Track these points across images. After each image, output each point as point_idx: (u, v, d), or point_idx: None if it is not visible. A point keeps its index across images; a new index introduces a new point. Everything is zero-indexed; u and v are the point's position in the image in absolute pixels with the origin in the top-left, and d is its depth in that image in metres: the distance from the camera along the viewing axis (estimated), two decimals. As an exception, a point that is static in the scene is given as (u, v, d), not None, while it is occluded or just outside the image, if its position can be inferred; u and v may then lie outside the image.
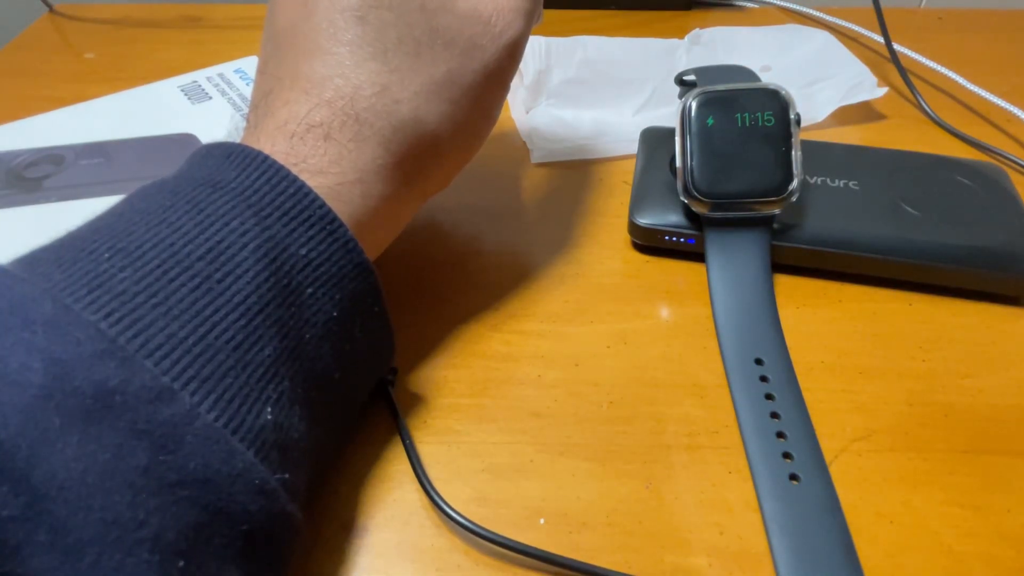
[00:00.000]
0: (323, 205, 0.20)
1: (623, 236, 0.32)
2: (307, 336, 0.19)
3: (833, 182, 0.31)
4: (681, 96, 0.30)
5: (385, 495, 0.23)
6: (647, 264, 0.31)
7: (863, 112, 0.40)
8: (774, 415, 0.24)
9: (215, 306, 0.17)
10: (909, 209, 0.30)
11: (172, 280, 0.17)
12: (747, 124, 0.28)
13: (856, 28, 0.48)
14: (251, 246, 0.18)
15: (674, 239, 0.30)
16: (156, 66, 0.45)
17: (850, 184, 0.31)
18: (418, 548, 0.21)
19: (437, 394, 0.25)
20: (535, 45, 0.40)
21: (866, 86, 0.39)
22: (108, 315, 0.16)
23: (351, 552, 0.21)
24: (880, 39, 0.44)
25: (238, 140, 0.21)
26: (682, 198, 0.29)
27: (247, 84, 0.38)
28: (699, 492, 0.23)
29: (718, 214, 0.29)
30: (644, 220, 0.30)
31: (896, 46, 0.43)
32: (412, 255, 0.31)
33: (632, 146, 0.35)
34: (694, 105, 0.29)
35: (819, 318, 0.28)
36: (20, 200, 0.31)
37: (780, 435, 0.24)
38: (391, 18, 0.22)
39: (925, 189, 0.31)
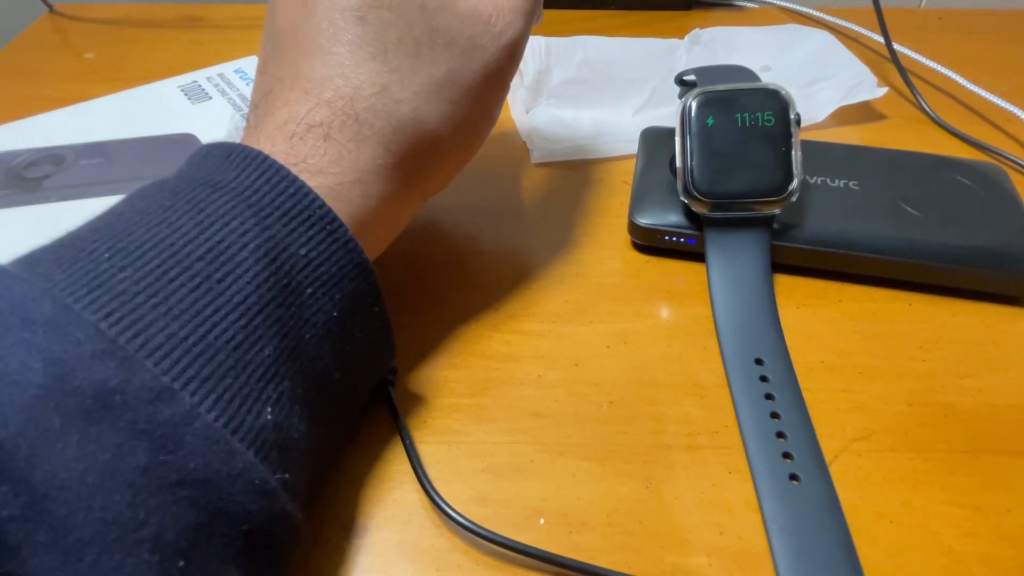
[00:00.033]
0: (323, 205, 0.20)
1: (623, 236, 0.32)
2: (307, 336, 0.19)
3: (833, 182, 0.31)
4: (681, 96, 0.30)
5: (385, 495, 0.23)
6: (647, 264, 0.31)
7: (863, 112, 0.40)
8: (774, 415, 0.24)
9: (215, 306, 0.17)
10: (909, 209, 0.30)
11: (172, 280, 0.17)
12: (747, 124, 0.28)
13: (856, 28, 0.48)
14: (251, 246, 0.18)
15: (674, 239, 0.30)
16: (156, 66, 0.45)
17: (850, 184, 0.31)
18: (418, 548, 0.21)
19: (437, 394, 0.25)
20: (535, 45, 0.40)
21: (866, 86, 0.39)
22: (108, 315, 0.16)
23: (351, 552, 0.21)
24: (880, 39, 0.44)
25: (238, 140, 0.21)
26: (682, 198, 0.29)
27: (247, 84, 0.38)
28: (699, 492, 0.23)
29: (718, 214, 0.29)
30: (644, 220, 0.30)
31: (896, 46, 0.43)
32: (412, 255, 0.31)
33: (632, 146, 0.35)
34: (694, 105, 0.29)
35: (819, 318, 0.28)
36: (20, 200, 0.31)
37: (780, 435, 0.24)
38: (391, 18, 0.22)
39: (925, 189, 0.31)
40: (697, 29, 0.43)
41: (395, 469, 0.23)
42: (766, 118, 0.28)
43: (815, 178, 0.31)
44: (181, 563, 0.15)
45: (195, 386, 0.16)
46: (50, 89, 0.43)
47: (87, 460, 0.14)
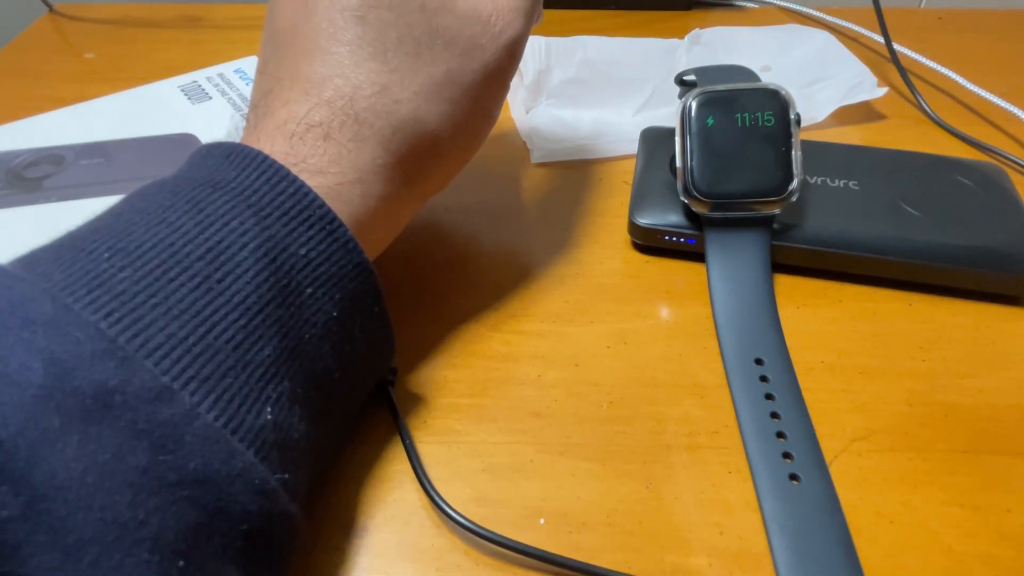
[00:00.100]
0: (323, 205, 0.20)
1: (623, 236, 0.32)
2: (307, 336, 0.19)
3: (833, 182, 0.31)
4: (681, 96, 0.30)
5: (385, 495, 0.23)
6: (647, 264, 0.31)
7: (863, 112, 0.40)
8: (774, 415, 0.24)
9: (215, 306, 0.17)
10: (909, 209, 0.30)
11: (172, 280, 0.17)
12: (747, 124, 0.28)
13: (856, 28, 0.48)
14: (251, 246, 0.18)
15: (674, 239, 0.30)
16: (156, 66, 0.45)
17: (850, 184, 0.31)
18: (418, 548, 0.21)
19: (437, 394, 0.25)
20: (535, 45, 0.40)
21: (866, 86, 0.39)
22: (108, 315, 0.16)
23: (351, 552, 0.21)
24: (880, 39, 0.44)
25: (238, 140, 0.21)
26: (682, 198, 0.29)
27: (247, 84, 0.38)
28: (699, 492, 0.23)
29: (718, 214, 0.29)
30: (644, 220, 0.30)
31: (896, 46, 0.43)
32: (412, 255, 0.31)
33: (632, 146, 0.35)
34: (694, 105, 0.29)
35: (819, 318, 0.28)
36: (20, 200, 0.31)
37: (780, 435, 0.24)
38: (391, 18, 0.22)
39: (925, 189, 0.31)
40: (697, 29, 0.43)
41: (395, 469, 0.23)
42: (766, 118, 0.28)
43: (815, 178, 0.31)
44: (181, 563, 0.15)
45: (195, 386, 0.16)
46: (50, 89, 0.43)
47: (87, 460, 0.14)
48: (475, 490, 0.23)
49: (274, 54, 0.23)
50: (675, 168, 0.29)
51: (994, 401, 0.25)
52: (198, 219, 0.18)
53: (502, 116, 0.37)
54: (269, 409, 0.17)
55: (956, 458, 0.24)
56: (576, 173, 0.36)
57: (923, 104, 0.41)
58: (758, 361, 0.26)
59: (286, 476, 0.17)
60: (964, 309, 0.29)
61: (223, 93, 0.38)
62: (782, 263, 0.30)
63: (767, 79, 0.30)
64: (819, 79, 0.40)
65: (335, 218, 0.20)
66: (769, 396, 0.25)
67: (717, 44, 0.43)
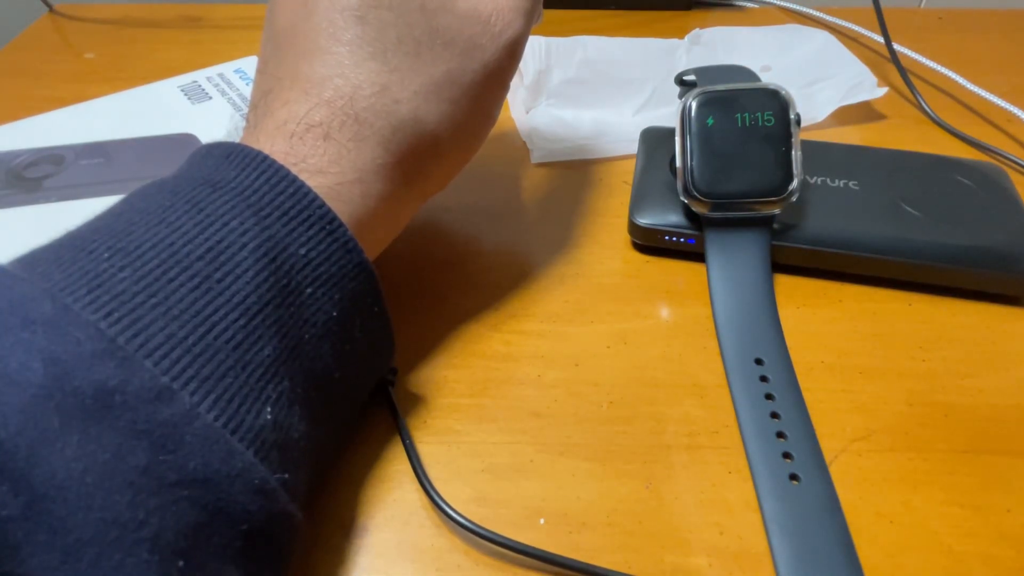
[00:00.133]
0: (322, 205, 0.20)
1: (623, 236, 0.32)
2: (307, 336, 0.19)
3: (833, 182, 0.31)
4: (681, 96, 0.30)
5: (385, 495, 0.23)
6: (647, 264, 0.31)
7: (863, 112, 0.40)
8: (774, 415, 0.24)
9: (215, 306, 0.17)
10: (909, 209, 0.30)
11: (172, 280, 0.17)
12: (747, 124, 0.28)
13: (856, 28, 0.48)
14: (251, 246, 0.18)
15: (674, 239, 0.30)
16: (156, 66, 0.45)
17: (850, 184, 0.31)
18: (418, 548, 0.21)
19: (437, 394, 0.25)
20: (535, 45, 0.40)
21: (866, 86, 0.39)
22: (108, 315, 0.16)
23: (351, 552, 0.21)
24: (880, 39, 0.44)
25: (238, 140, 0.21)
26: (682, 198, 0.29)
27: (247, 84, 0.38)
28: (699, 492, 0.23)
29: (718, 214, 0.29)
30: (644, 220, 0.30)
31: (896, 46, 0.43)
32: (412, 255, 0.31)
33: (632, 146, 0.35)
34: (694, 105, 0.29)
35: (819, 318, 0.28)
36: (20, 200, 0.31)
37: (780, 435, 0.24)
38: (391, 18, 0.22)
39: (925, 189, 0.31)
40: (697, 29, 0.43)
41: (395, 469, 0.23)
42: (766, 118, 0.28)
43: (815, 178, 0.31)
44: (181, 563, 0.15)
45: (195, 386, 0.16)
46: (50, 89, 0.43)
47: (87, 460, 0.14)
48: (475, 490, 0.23)
49: (274, 54, 0.23)
50: (675, 168, 0.29)
51: (994, 401, 0.25)
52: (198, 219, 0.18)
53: (502, 116, 0.37)
54: (269, 409, 0.17)
55: (956, 458, 0.24)
56: (576, 173, 0.36)
57: (923, 104, 0.41)
58: (758, 361, 0.26)
59: (286, 476, 0.17)
60: (964, 309, 0.29)
61: (223, 93, 0.38)
62: (782, 263, 0.30)
63: (767, 79, 0.30)
64: (819, 79, 0.40)
65: (335, 218, 0.20)
66: (769, 396, 0.25)
67: (717, 44, 0.43)
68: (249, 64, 0.40)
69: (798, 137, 0.28)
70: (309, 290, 0.19)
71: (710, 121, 0.29)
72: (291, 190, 0.20)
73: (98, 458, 0.14)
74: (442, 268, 0.30)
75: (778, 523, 0.22)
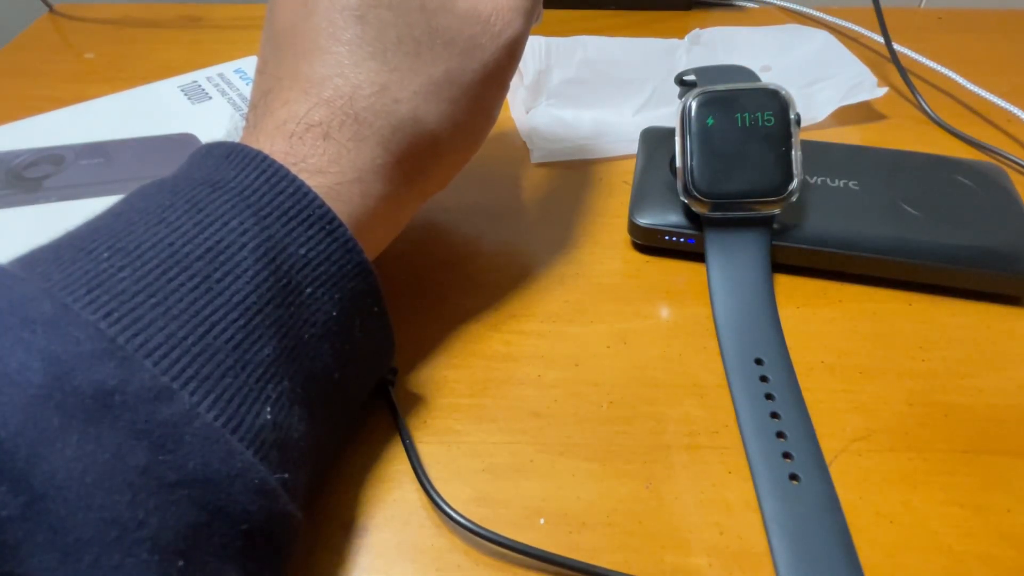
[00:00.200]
0: (322, 205, 0.20)
1: (623, 236, 0.32)
2: (306, 336, 0.19)
3: (833, 182, 0.31)
4: (681, 96, 0.30)
5: (385, 495, 0.23)
6: (647, 264, 0.31)
7: (863, 112, 0.40)
8: (774, 415, 0.24)
9: (214, 306, 0.17)
10: (909, 209, 0.30)
11: (171, 280, 0.17)
12: (747, 124, 0.28)
13: (856, 28, 0.48)
14: (250, 246, 0.18)
15: (674, 239, 0.30)
16: (156, 66, 0.45)
17: (850, 184, 0.31)
18: (418, 548, 0.21)
19: (437, 394, 0.25)
20: (535, 45, 0.40)
21: (866, 86, 0.39)
22: (107, 315, 0.16)
23: (351, 552, 0.21)
24: (880, 39, 0.44)
25: (237, 140, 0.21)
26: (682, 198, 0.29)
27: (247, 84, 0.38)
28: (699, 492, 0.23)
29: (718, 214, 0.29)
30: (644, 220, 0.30)
31: (896, 46, 0.43)
32: (412, 255, 0.31)
33: (632, 146, 0.35)
34: (694, 105, 0.29)
35: (819, 318, 0.28)
36: (20, 200, 0.31)
37: (780, 435, 0.24)
38: (390, 17, 0.22)
39: (925, 189, 0.31)
40: (697, 29, 0.43)
41: (395, 469, 0.23)
42: (766, 118, 0.28)
43: (815, 178, 0.31)
44: (180, 563, 0.15)
45: (194, 386, 0.16)
46: (50, 89, 0.43)
47: (86, 460, 0.14)
48: (475, 490, 0.23)
49: (274, 54, 0.23)
50: (675, 168, 0.29)
51: (994, 401, 0.25)
52: (198, 219, 0.18)
53: (502, 116, 0.37)
54: (269, 409, 0.17)
55: (956, 458, 0.24)
56: (576, 173, 0.36)
57: (923, 104, 0.41)
58: (758, 361, 0.26)
59: (286, 476, 0.17)
60: (964, 309, 0.29)
61: (223, 93, 0.38)
62: (782, 263, 0.30)
63: (767, 79, 0.30)
64: (819, 79, 0.40)
65: (334, 218, 0.20)
66: (769, 396, 0.25)
67: (717, 44, 0.43)
68: (249, 64, 0.40)
69: (798, 137, 0.28)
70: (309, 290, 0.19)
71: (710, 121, 0.29)
72: (291, 190, 0.20)
73: (98, 458, 0.14)
74: (442, 268, 0.30)
75: (778, 523, 0.22)
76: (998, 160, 0.37)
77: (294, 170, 0.20)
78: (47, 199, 0.31)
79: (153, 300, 0.16)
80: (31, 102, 0.40)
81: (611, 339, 0.27)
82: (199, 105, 0.37)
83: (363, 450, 0.24)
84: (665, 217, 0.30)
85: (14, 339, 0.14)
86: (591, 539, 0.22)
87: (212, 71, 0.39)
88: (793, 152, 0.28)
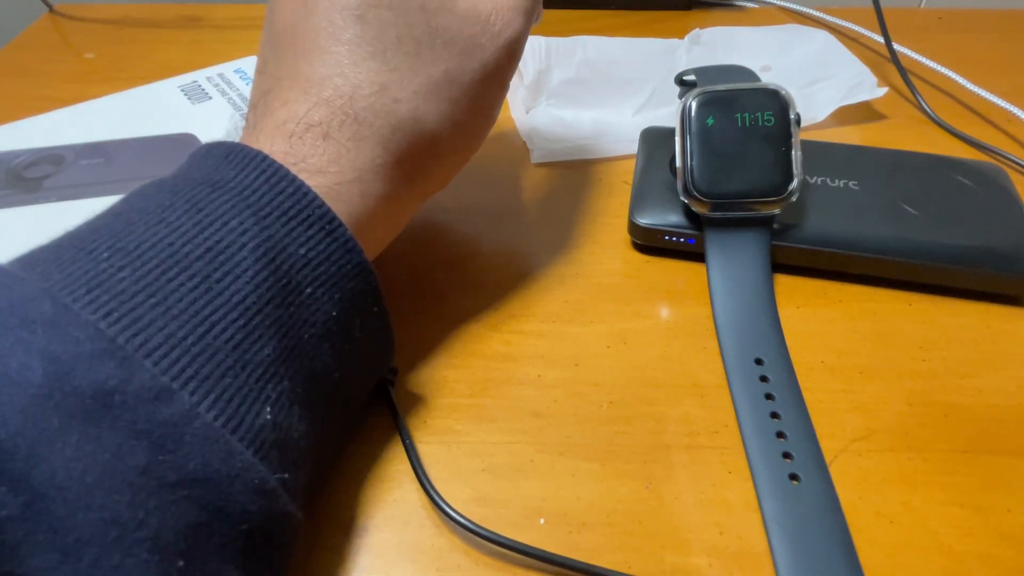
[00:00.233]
0: (322, 204, 0.20)
1: (623, 236, 0.32)
2: (306, 336, 0.19)
3: (833, 182, 0.31)
4: (681, 96, 0.30)
5: (385, 495, 0.23)
6: (647, 264, 0.31)
7: (863, 112, 0.40)
8: (774, 415, 0.24)
9: (214, 306, 0.17)
10: (909, 209, 0.30)
11: (171, 280, 0.17)
12: (747, 124, 0.28)
13: (856, 28, 0.48)
14: (250, 246, 0.18)
15: (674, 239, 0.30)
16: (156, 66, 0.45)
17: (850, 184, 0.31)
18: (418, 548, 0.21)
19: (437, 394, 0.25)
20: (535, 45, 0.40)
21: (866, 86, 0.39)
22: (107, 315, 0.16)
23: (351, 552, 0.21)
24: (880, 39, 0.44)
25: (237, 140, 0.21)
26: (682, 198, 0.29)
27: (247, 84, 0.38)
28: (699, 492, 0.23)
29: (718, 214, 0.29)
30: (644, 220, 0.30)
31: (896, 46, 0.43)
32: (412, 255, 0.31)
33: (632, 146, 0.35)
34: (694, 105, 0.29)
35: (819, 318, 0.28)
36: (20, 200, 0.31)
37: (780, 435, 0.24)
38: (390, 17, 0.22)
39: (925, 189, 0.31)
40: (697, 29, 0.43)
41: (395, 469, 0.23)
42: (766, 118, 0.28)
43: (815, 178, 0.31)
44: (180, 563, 0.15)
45: (194, 386, 0.16)
46: (50, 89, 0.43)
47: (86, 460, 0.14)
48: (475, 490, 0.23)
49: (273, 54, 0.23)
50: (675, 168, 0.29)
51: (994, 401, 0.25)
52: (197, 219, 0.18)
53: (502, 116, 0.37)
54: (268, 409, 0.17)
55: (956, 458, 0.24)
56: (576, 173, 0.36)
57: (923, 104, 0.41)
58: (758, 361, 0.26)
59: (286, 476, 0.17)
60: (964, 309, 0.29)
61: (223, 93, 0.38)
62: (782, 263, 0.30)
63: (767, 79, 0.30)
64: (819, 79, 0.40)
65: (334, 218, 0.20)
66: (769, 396, 0.25)
67: (717, 44, 0.43)
68: (249, 64, 0.40)
69: (798, 137, 0.28)
70: (309, 290, 0.19)
71: (710, 121, 0.29)
72: (290, 190, 0.20)
73: (98, 458, 0.14)
74: (442, 268, 0.30)
75: (778, 523, 0.22)
76: (998, 160, 0.37)
77: (294, 170, 0.20)
78: (47, 199, 0.31)
79: (153, 300, 0.16)
80: (31, 102, 0.40)
81: (611, 339, 0.27)
82: (199, 105, 0.37)
83: (363, 450, 0.24)
84: (665, 217, 0.30)
85: (14, 339, 0.14)
86: (591, 539, 0.22)
87: (212, 71, 0.39)
88: (793, 152, 0.28)
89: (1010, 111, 0.38)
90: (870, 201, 0.30)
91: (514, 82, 0.40)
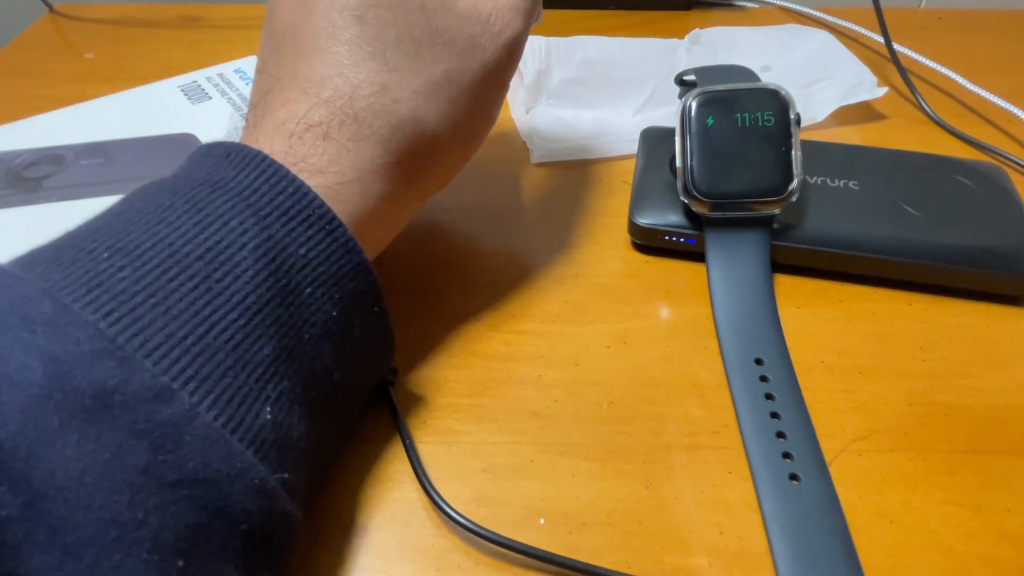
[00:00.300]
0: (322, 205, 0.20)
1: (623, 236, 0.32)
2: (306, 336, 0.19)
3: (833, 182, 0.31)
4: (681, 96, 0.30)
5: (385, 495, 0.23)
6: (647, 264, 0.31)
7: (863, 112, 0.40)
8: (774, 415, 0.24)
9: (214, 306, 0.17)
10: (909, 209, 0.30)
11: (171, 280, 0.17)
12: (747, 124, 0.28)
13: (856, 28, 0.48)
14: (250, 246, 0.18)
15: (674, 239, 0.30)
16: (156, 66, 0.45)
17: (850, 184, 0.31)
18: (418, 548, 0.21)
19: (437, 394, 0.25)
20: (535, 45, 0.40)
21: (866, 86, 0.39)
22: (107, 315, 0.16)
23: (351, 552, 0.21)
24: (880, 39, 0.44)
25: (237, 140, 0.21)
26: (682, 198, 0.29)
27: (247, 84, 0.38)
28: (699, 492, 0.23)
29: (718, 214, 0.29)
30: (644, 220, 0.30)
31: (896, 46, 0.43)
32: (412, 255, 0.31)
33: (632, 146, 0.35)
34: (694, 105, 0.29)
35: (819, 318, 0.28)
36: (20, 200, 0.31)
37: (780, 435, 0.24)
38: (390, 17, 0.22)
39: (925, 189, 0.31)
40: (697, 29, 0.43)
41: (395, 469, 0.23)
42: (766, 118, 0.28)
43: (815, 178, 0.31)
44: (180, 563, 0.15)
45: (194, 386, 0.16)
46: (50, 89, 0.43)
47: (86, 460, 0.14)
48: (475, 490, 0.23)
49: (273, 54, 0.23)
50: (675, 168, 0.29)
51: (994, 401, 0.25)
52: (197, 219, 0.18)
53: (502, 116, 0.37)
54: (268, 409, 0.17)
55: (956, 458, 0.24)
56: (576, 173, 0.36)
57: (923, 104, 0.41)
58: (758, 361, 0.26)
59: (286, 476, 0.17)
60: (964, 309, 0.29)
61: (223, 93, 0.38)
62: (782, 263, 0.30)
63: (767, 79, 0.30)
64: (819, 79, 0.40)
65: (334, 218, 0.20)
66: (769, 396, 0.25)
67: (717, 44, 0.43)
68: (249, 64, 0.40)
69: (798, 137, 0.28)
70: (309, 290, 0.19)
71: (710, 121, 0.29)
72: (291, 190, 0.20)
73: (98, 458, 0.14)
74: (442, 268, 0.30)
75: (778, 523, 0.22)
76: (998, 160, 0.37)
77: (294, 170, 0.20)
78: (47, 199, 0.31)
79: (153, 300, 0.16)
80: (31, 102, 0.40)
81: (611, 339, 0.27)
82: (199, 105, 0.37)
83: (363, 450, 0.24)
84: (665, 217, 0.30)
85: (14, 339, 0.14)
86: (591, 539, 0.22)
87: (212, 71, 0.39)
88: (793, 152, 0.28)
89: (1010, 111, 0.38)
90: (870, 201, 0.30)
91: (514, 82, 0.40)
